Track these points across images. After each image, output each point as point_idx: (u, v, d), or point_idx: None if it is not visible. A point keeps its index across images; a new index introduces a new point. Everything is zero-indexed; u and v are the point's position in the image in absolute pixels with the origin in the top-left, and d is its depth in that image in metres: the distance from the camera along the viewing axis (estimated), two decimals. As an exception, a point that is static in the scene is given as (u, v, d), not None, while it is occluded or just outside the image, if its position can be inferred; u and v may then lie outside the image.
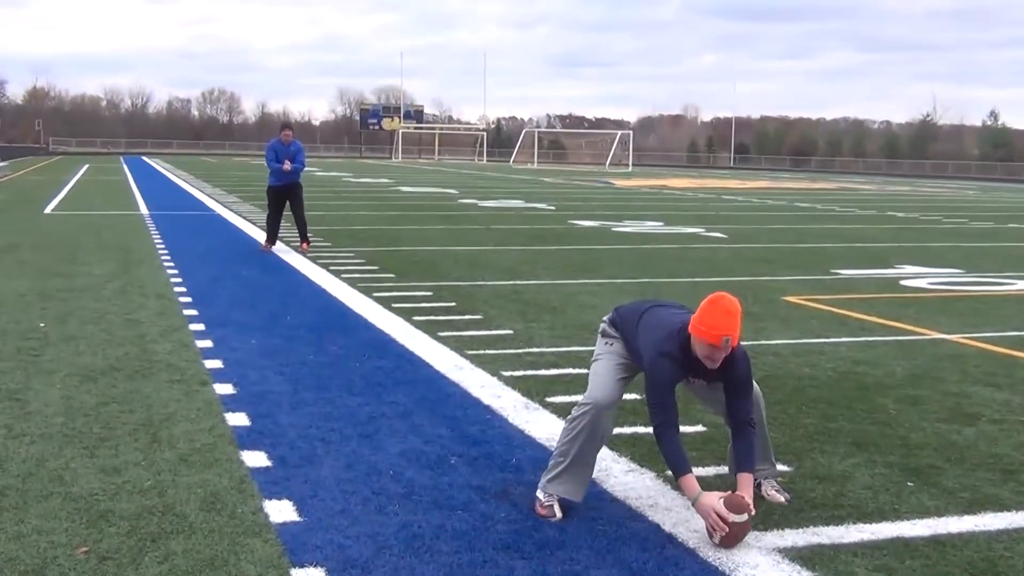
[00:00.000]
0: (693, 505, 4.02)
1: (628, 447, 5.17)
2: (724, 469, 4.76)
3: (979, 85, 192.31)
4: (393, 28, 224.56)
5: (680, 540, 4.02)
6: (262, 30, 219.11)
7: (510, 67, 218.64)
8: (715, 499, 3.95)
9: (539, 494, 4.35)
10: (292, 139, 14.31)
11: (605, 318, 4.65)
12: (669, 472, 4.71)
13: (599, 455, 4.49)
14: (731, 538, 3.92)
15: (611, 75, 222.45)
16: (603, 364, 4.47)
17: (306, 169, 14.48)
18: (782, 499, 4.48)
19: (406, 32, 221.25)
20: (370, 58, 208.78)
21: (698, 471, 4.35)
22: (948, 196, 39.99)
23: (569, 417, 4.41)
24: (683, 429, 5.27)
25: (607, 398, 4.34)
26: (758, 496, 4.46)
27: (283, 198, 14.46)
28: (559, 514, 4.24)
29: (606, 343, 4.55)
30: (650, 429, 5.37)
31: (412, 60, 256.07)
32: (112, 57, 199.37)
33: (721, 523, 3.89)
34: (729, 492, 4.03)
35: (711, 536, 3.97)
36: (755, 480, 4.51)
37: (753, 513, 3.98)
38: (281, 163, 14.14)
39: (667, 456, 4.14)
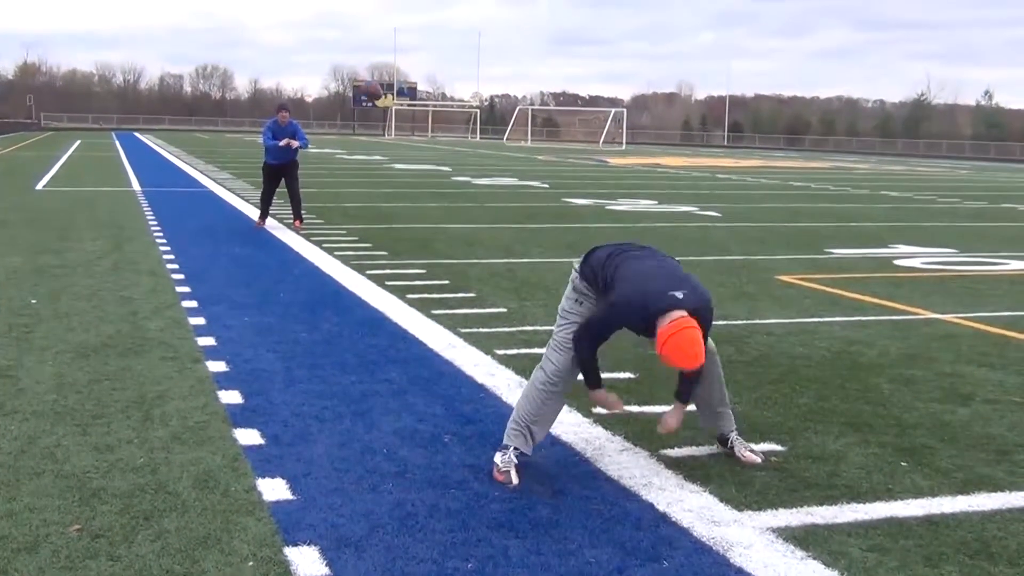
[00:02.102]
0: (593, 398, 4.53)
1: (622, 426, 5.16)
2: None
3: (974, 65, 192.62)
4: (388, 5, 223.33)
5: (674, 519, 4.02)
6: (256, 7, 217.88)
7: (505, 45, 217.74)
8: (608, 395, 4.53)
9: (497, 459, 4.38)
10: (289, 119, 14.27)
11: (575, 264, 4.57)
12: (664, 451, 4.75)
13: (593, 434, 4.50)
14: (663, 424, 4.47)
15: (606, 53, 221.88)
16: (572, 331, 4.46)
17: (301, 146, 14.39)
18: (757, 459, 4.55)
19: (401, 10, 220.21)
20: (364, 36, 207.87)
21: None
22: (942, 176, 39.99)
23: (540, 382, 4.46)
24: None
25: (575, 372, 4.48)
26: (734, 461, 4.60)
27: (279, 176, 14.41)
28: (516, 480, 4.28)
29: (577, 301, 4.49)
30: (643, 408, 5.41)
31: (406, 38, 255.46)
32: (104, 33, 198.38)
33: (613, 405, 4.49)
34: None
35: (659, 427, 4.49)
36: (728, 441, 4.67)
37: (618, 408, 4.58)
38: (278, 142, 14.10)
39: (585, 371, 4.41)
